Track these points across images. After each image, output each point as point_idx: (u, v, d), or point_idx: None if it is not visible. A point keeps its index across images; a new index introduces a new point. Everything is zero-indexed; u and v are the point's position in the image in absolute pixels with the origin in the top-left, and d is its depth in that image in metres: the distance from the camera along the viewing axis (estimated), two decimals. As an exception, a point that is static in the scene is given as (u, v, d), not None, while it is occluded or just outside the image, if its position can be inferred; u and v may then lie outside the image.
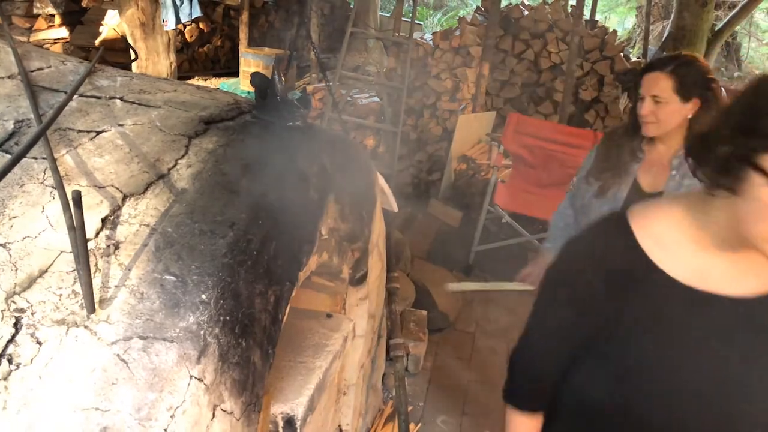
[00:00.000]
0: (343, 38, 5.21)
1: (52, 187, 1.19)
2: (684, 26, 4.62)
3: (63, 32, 6.03)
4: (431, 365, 3.12)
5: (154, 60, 4.63)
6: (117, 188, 1.23)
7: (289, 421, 1.48)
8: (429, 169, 5.27)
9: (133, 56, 3.43)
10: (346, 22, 5.31)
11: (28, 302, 1.04)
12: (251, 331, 1.20)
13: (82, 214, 0.92)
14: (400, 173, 5.23)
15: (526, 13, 5.53)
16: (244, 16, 6.99)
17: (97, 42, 5.91)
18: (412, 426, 2.67)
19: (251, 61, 6.97)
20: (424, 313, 3.18)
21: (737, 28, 12.12)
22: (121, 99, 1.49)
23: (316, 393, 1.59)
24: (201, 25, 7.81)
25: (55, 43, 5.99)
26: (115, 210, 1.19)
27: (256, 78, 1.52)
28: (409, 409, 2.76)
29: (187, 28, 7.58)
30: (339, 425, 2.32)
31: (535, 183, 4.10)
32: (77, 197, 0.89)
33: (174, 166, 1.31)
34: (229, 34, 8.28)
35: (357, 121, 5.30)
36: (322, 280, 2.06)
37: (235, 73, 7.63)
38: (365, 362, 2.42)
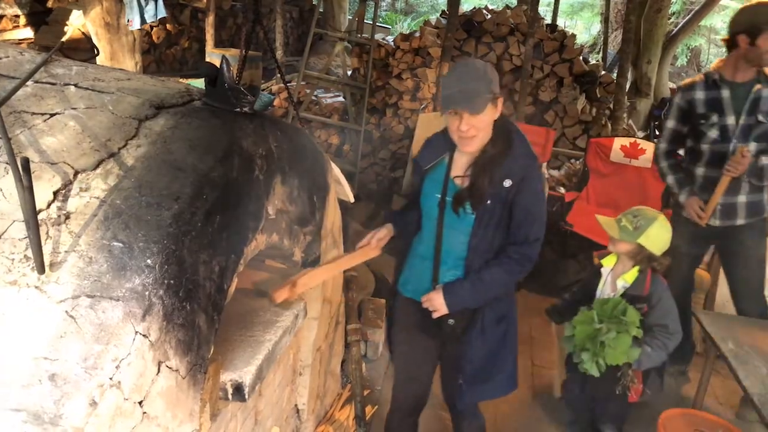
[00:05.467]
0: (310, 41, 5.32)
1: (6, 163, 1.27)
2: (631, 29, 4.82)
3: (28, 33, 6.01)
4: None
5: (119, 60, 4.66)
6: (69, 164, 1.31)
7: (238, 388, 1.57)
8: (392, 166, 5.39)
9: (95, 52, 3.49)
10: (316, 26, 5.43)
11: (-18, 266, 1.12)
12: (196, 296, 1.29)
13: (30, 178, 1.01)
14: (364, 171, 5.34)
15: (489, 16, 5.69)
16: (211, 18, 7.05)
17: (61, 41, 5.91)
18: (368, 408, 2.77)
19: (218, 62, 7.01)
20: (383, 301, 3.28)
21: (701, 38, 12.52)
22: (76, 85, 1.57)
23: (264, 363, 1.68)
24: (168, 27, 7.84)
25: (20, 43, 5.96)
26: (67, 184, 1.28)
27: (205, 67, 1.61)
28: (367, 392, 2.86)
29: (155, 29, 7.60)
30: (295, 404, 2.41)
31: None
32: (25, 163, 0.98)
33: (124, 145, 1.40)
34: (196, 36, 8.33)
35: (321, 120, 5.40)
36: (275, 263, 2.16)
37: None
38: (322, 346, 2.51)
